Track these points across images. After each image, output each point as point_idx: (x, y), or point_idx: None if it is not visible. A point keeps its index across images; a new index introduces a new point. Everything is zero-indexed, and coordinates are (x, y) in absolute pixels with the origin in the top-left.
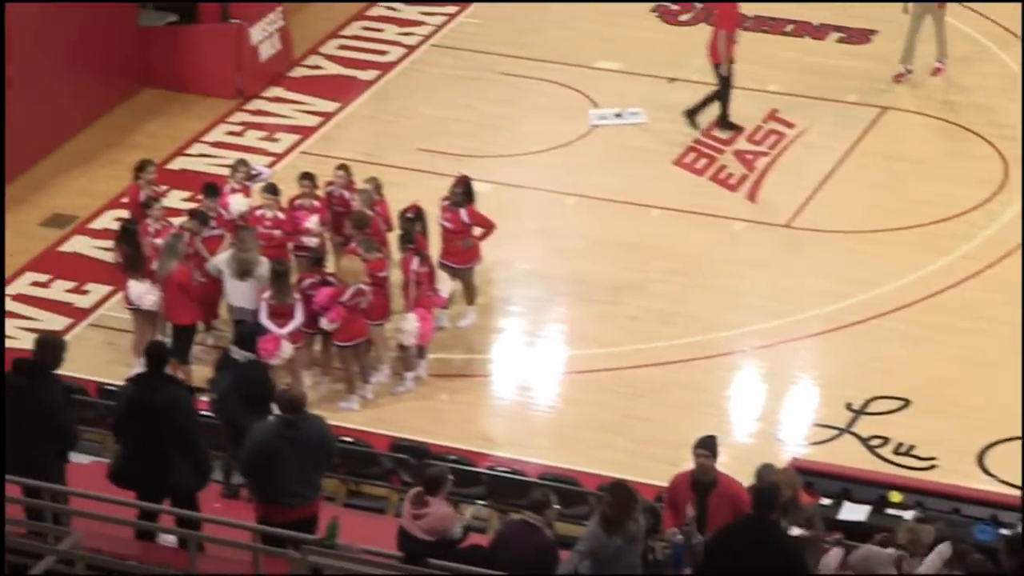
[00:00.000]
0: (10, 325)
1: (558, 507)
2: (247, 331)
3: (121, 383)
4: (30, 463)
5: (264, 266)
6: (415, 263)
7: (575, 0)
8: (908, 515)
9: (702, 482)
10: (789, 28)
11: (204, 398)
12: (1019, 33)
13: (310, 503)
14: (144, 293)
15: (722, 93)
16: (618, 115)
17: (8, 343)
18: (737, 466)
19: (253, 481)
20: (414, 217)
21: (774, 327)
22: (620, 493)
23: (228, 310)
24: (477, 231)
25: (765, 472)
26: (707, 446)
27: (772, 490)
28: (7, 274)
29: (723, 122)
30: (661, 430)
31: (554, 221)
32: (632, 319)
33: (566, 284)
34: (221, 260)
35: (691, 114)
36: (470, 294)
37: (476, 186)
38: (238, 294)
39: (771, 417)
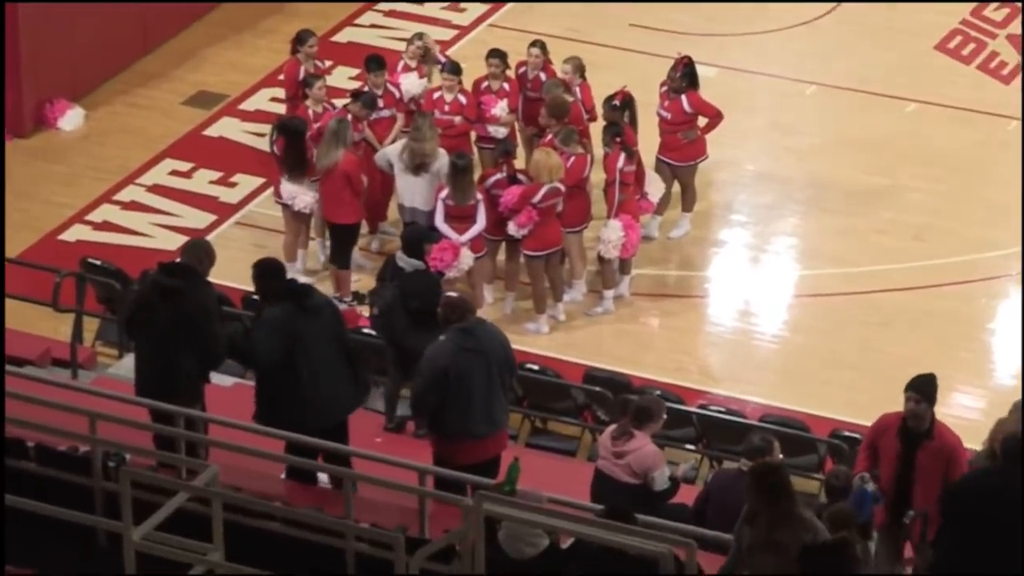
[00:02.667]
0: (144, 220)
1: (781, 456)
2: (417, 235)
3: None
4: (166, 379)
5: (442, 159)
6: (621, 160)
7: None
8: None
9: (914, 432)
10: None
11: (364, 313)
12: None
13: (501, 433)
14: (299, 190)
15: None
16: None
17: (141, 241)
18: (996, 412)
19: (438, 414)
20: (622, 105)
21: None
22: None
23: (398, 211)
24: (701, 122)
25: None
26: (921, 388)
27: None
28: (143, 160)
29: None
30: (910, 366)
31: (790, 114)
32: (879, 233)
33: (801, 190)
34: (391, 151)
35: None
36: (688, 198)
37: (700, 70)
38: (410, 192)
39: None
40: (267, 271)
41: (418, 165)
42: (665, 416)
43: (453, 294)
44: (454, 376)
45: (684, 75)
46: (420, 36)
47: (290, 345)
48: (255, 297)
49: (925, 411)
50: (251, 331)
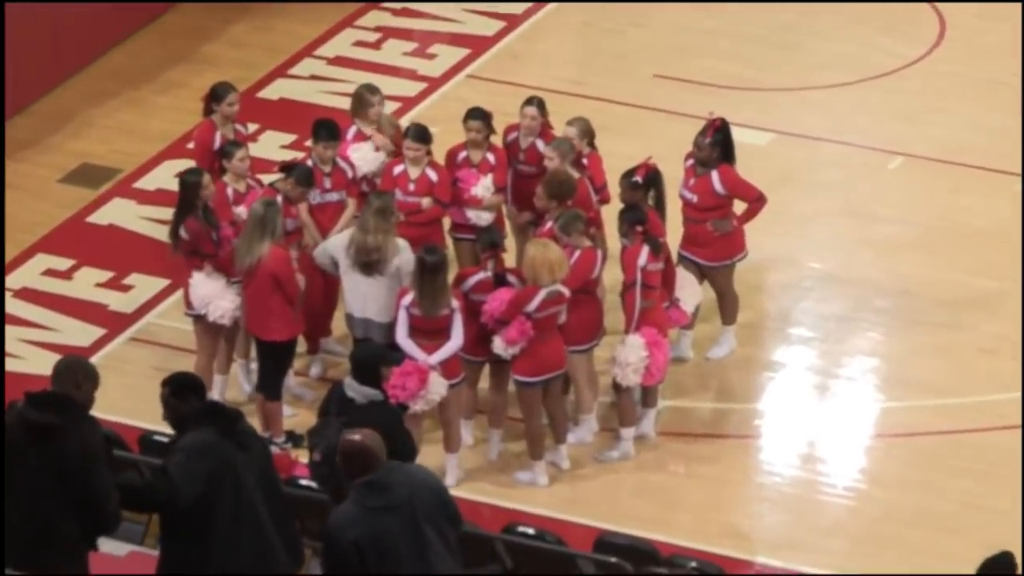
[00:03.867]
0: (10, 336)
1: None
2: (371, 356)
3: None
4: (39, 546)
5: (403, 255)
6: (644, 255)
7: None
8: None
9: None
10: None
11: (302, 458)
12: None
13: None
14: (215, 295)
15: None
16: None
17: (7, 364)
18: None
19: None
20: (645, 182)
21: None
22: None
23: (346, 323)
24: (738, 207)
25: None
26: (1001, 568)
27: None
28: (7, 257)
29: None
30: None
31: (867, 194)
32: (985, 353)
33: (882, 295)
34: (336, 244)
35: None
36: (728, 307)
37: (740, 136)
38: (361, 298)
39: None
40: (183, 387)
41: (368, 262)
42: None
43: (354, 437)
44: (369, 548)
45: (714, 142)
46: (372, 89)
47: (213, 480)
48: (158, 438)
49: None
50: (161, 467)
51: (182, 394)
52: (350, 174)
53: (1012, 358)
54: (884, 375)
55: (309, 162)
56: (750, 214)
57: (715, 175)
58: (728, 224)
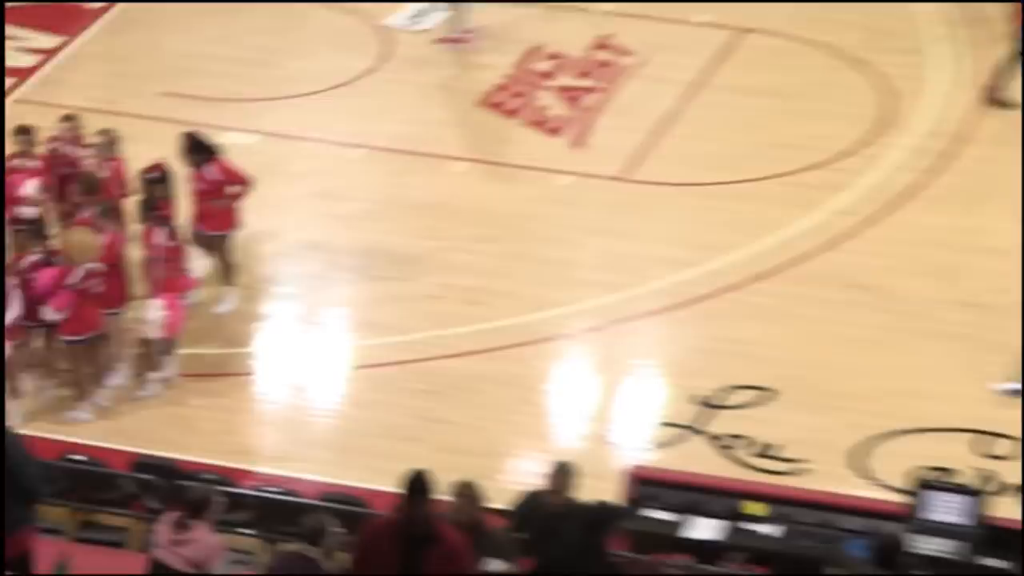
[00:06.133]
0: None
1: (342, 533)
2: None
3: None
4: None
5: None
6: (160, 236)
7: None
8: (769, 529)
9: (415, 535)
10: None
11: None
12: None
13: (13, 536)
14: None
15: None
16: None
17: None
18: None
19: None
20: (159, 178)
21: (607, 304)
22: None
23: None
24: (232, 190)
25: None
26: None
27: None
28: None
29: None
30: (469, 435)
31: (334, 179)
32: (431, 299)
33: (349, 257)
34: None
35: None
36: (228, 271)
37: (236, 137)
38: None
39: (603, 416)
40: None
41: None
42: (221, 502)
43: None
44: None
45: (192, 149)
46: None
47: None
48: None
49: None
50: None
51: None
52: None
53: (451, 302)
54: (352, 319)
55: None
56: (237, 195)
57: (208, 167)
58: (225, 201)
